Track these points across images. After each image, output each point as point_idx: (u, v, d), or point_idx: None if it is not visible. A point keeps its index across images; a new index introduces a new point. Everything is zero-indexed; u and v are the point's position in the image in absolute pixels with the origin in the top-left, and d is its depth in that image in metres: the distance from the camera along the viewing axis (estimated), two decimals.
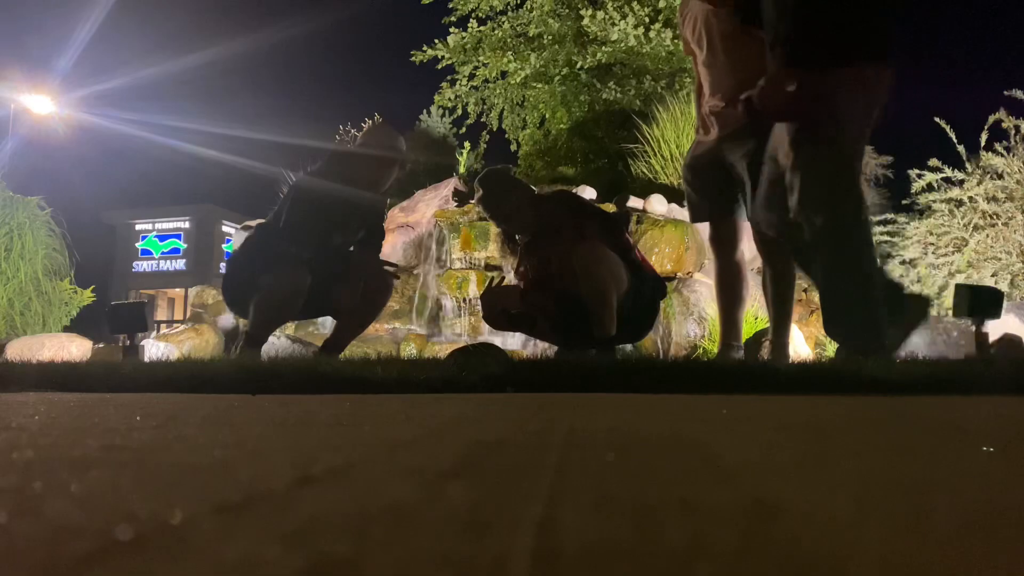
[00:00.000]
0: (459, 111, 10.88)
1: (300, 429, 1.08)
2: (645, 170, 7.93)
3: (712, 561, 0.38)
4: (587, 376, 2.12)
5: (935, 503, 0.56)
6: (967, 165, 6.83)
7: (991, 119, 6.68)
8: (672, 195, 6.44)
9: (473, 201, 3.97)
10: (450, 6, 10.40)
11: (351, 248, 3.57)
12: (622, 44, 9.26)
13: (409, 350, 5.92)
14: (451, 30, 10.35)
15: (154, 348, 5.88)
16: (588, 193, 6.82)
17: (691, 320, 5.64)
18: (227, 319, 6.69)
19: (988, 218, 6.55)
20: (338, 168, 3.51)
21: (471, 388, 2.08)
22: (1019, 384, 2.01)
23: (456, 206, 7.17)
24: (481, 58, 10.35)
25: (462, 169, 9.35)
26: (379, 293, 3.59)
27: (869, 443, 0.98)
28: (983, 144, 6.74)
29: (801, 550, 0.41)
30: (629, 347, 3.68)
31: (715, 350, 3.35)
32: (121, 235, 30.04)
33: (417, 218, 7.48)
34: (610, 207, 6.40)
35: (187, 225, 29.62)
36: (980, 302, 3.40)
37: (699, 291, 5.70)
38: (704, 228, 3.64)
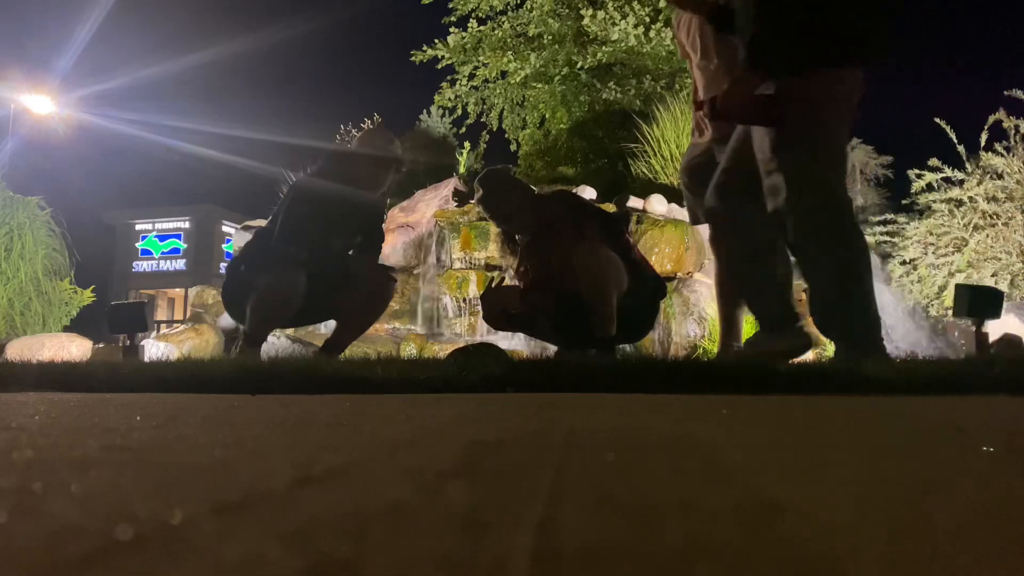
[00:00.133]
0: (459, 111, 10.89)
1: (300, 429, 1.08)
2: (645, 170, 7.93)
3: (712, 561, 0.38)
4: (587, 376, 2.12)
5: (935, 503, 0.56)
6: (967, 165, 6.83)
7: (991, 119, 6.68)
8: (672, 195, 6.44)
9: (473, 201, 3.97)
10: (450, 6, 10.41)
11: (351, 251, 3.57)
12: (622, 44, 9.27)
13: (409, 350, 5.92)
14: (451, 30, 10.36)
15: (154, 348, 5.88)
16: (588, 193, 6.82)
17: (691, 320, 5.64)
18: (227, 319, 6.68)
19: (988, 218, 6.55)
20: (335, 169, 3.51)
21: (471, 388, 2.08)
22: (1019, 384, 2.01)
23: (456, 206, 7.17)
24: (481, 58, 10.35)
25: (462, 169, 9.36)
26: (380, 295, 3.59)
27: (869, 443, 0.98)
28: (983, 144, 6.74)
29: (801, 550, 0.41)
30: (629, 347, 3.68)
31: (715, 350, 3.35)
32: (121, 235, 30.03)
33: (417, 218, 7.48)
34: (610, 207, 6.40)
35: (187, 225, 29.62)
36: (980, 302, 3.40)
37: (699, 291, 5.71)
38: (704, 228, 3.64)
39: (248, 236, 6.13)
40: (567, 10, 10.05)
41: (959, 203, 6.72)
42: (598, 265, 3.18)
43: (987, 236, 6.47)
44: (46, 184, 8.52)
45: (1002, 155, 6.59)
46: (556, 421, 1.21)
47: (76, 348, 5.79)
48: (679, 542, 0.42)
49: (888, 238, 7.20)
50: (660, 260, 5.82)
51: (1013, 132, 6.59)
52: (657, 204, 6.39)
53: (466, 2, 10.32)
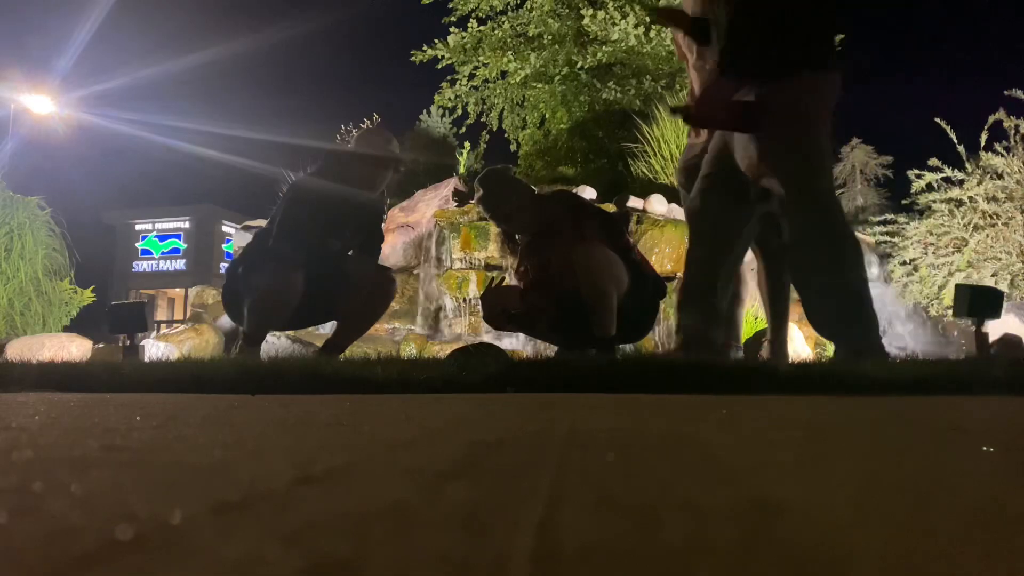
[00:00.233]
0: (459, 111, 10.88)
1: (300, 429, 1.08)
2: (645, 170, 7.93)
3: (712, 561, 0.38)
4: (587, 376, 2.12)
5: (935, 503, 0.56)
6: (967, 165, 6.83)
7: (991, 119, 6.68)
8: (672, 195, 6.44)
9: (473, 201, 3.97)
10: (450, 6, 10.40)
11: (351, 252, 3.56)
12: (622, 44, 9.26)
13: (409, 350, 5.92)
14: (451, 30, 10.35)
15: (154, 348, 5.88)
16: (588, 193, 6.83)
17: None
18: (227, 319, 6.69)
19: (988, 218, 6.55)
20: (332, 169, 3.51)
21: (471, 388, 2.08)
22: (1019, 384, 2.01)
23: (456, 206, 7.17)
24: (481, 58, 10.35)
25: (462, 169, 9.35)
26: (380, 296, 3.59)
27: (869, 443, 0.98)
28: (983, 144, 6.73)
29: (801, 550, 0.41)
30: (629, 347, 3.68)
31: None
32: (121, 235, 30.04)
33: (417, 218, 7.48)
34: (610, 207, 6.40)
35: (187, 225, 29.62)
36: (980, 302, 3.40)
37: None
38: None
39: (248, 236, 6.13)
40: (567, 10, 10.05)
41: (959, 203, 6.72)
42: (598, 265, 3.18)
43: (987, 236, 6.46)
44: (46, 184, 8.52)
45: (1002, 155, 6.59)
46: (556, 421, 1.21)
47: (76, 348, 5.79)
48: (679, 542, 0.42)
49: (888, 238, 7.19)
50: (660, 260, 5.82)
51: (1013, 132, 6.59)
52: (657, 204, 6.39)
53: (466, 2, 10.32)
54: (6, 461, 0.72)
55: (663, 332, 5.46)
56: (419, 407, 1.50)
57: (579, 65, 9.85)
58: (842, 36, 10.03)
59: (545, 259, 3.41)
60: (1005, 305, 4.07)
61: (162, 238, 29.87)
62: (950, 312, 5.67)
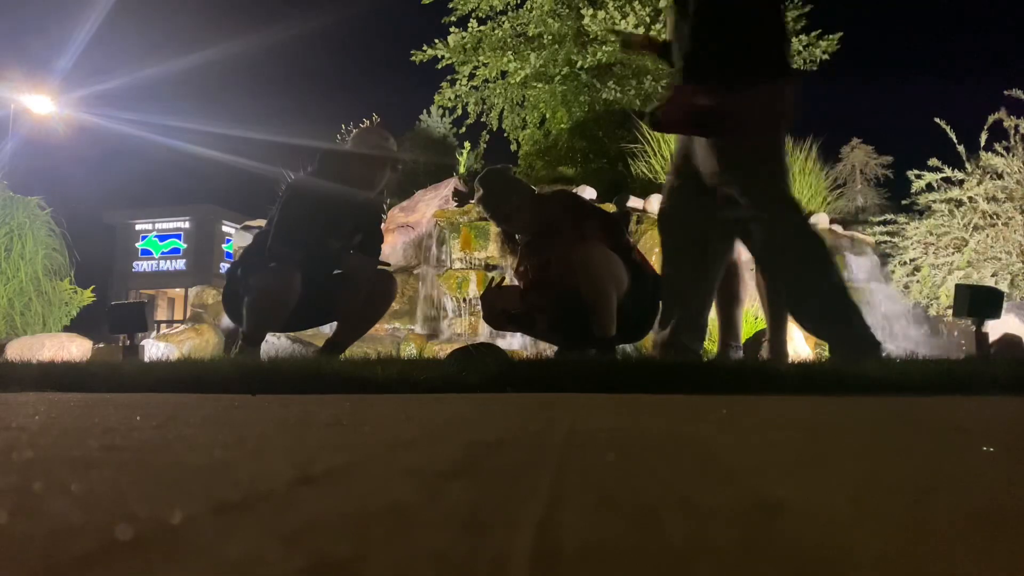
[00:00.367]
0: (459, 111, 10.88)
1: (300, 429, 1.08)
2: (645, 170, 7.93)
3: (712, 561, 0.38)
4: (587, 376, 2.12)
5: (935, 503, 0.56)
6: (967, 165, 6.83)
7: (991, 119, 6.67)
8: None
9: (473, 201, 3.96)
10: (450, 6, 10.40)
11: (351, 252, 3.56)
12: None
13: (409, 350, 5.92)
14: (451, 30, 10.35)
15: (154, 348, 5.88)
16: (588, 193, 6.82)
17: None
18: (228, 320, 6.69)
19: (988, 218, 6.55)
20: (330, 168, 3.50)
21: (471, 388, 2.08)
22: (1019, 384, 2.01)
23: (456, 206, 7.17)
24: (481, 58, 10.35)
25: (462, 169, 9.35)
26: (380, 296, 3.59)
27: (869, 443, 0.98)
28: (983, 144, 6.73)
29: (801, 550, 0.41)
30: (629, 347, 3.68)
31: (715, 350, 3.36)
32: (121, 235, 30.03)
33: (417, 218, 7.48)
34: (610, 207, 6.40)
35: (187, 225, 29.61)
36: (980, 302, 3.40)
37: None
38: None
39: (248, 236, 6.13)
40: (567, 10, 10.05)
41: (959, 203, 6.72)
42: (598, 265, 3.18)
43: (987, 236, 6.46)
44: (46, 184, 8.53)
45: (1002, 155, 6.59)
46: (556, 421, 1.21)
47: (76, 348, 5.80)
48: (679, 542, 0.42)
49: (888, 238, 7.19)
50: (660, 260, 5.81)
51: (1013, 132, 6.58)
52: (657, 204, 6.39)
53: (466, 2, 10.32)
54: (6, 461, 0.72)
55: None
56: (419, 407, 1.50)
57: (579, 65, 9.85)
58: (841, 34, 10.05)
59: (545, 259, 3.41)
60: (1005, 305, 4.06)
61: (162, 238, 29.86)
62: (950, 312, 5.67)
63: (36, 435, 0.96)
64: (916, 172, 7.00)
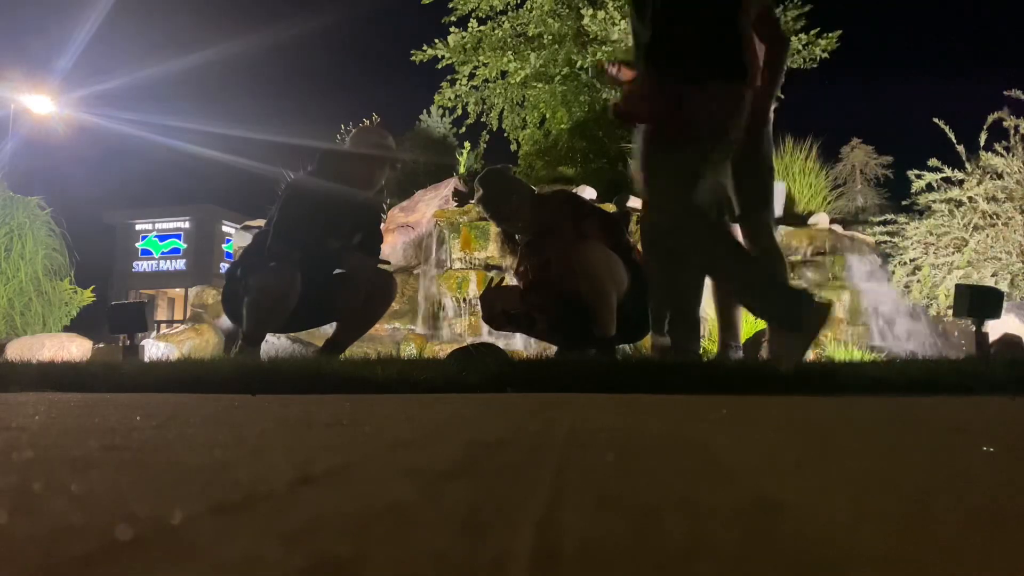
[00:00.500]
0: (459, 111, 10.88)
1: (300, 429, 1.08)
2: None
3: (712, 561, 0.38)
4: (587, 376, 2.12)
5: (934, 503, 0.56)
6: (967, 165, 6.82)
7: (990, 119, 6.67)
8: None
9: (473, 201, 3.97)
10: (450, 6, 10.40)
11: (350, 252, 3.56)
12: (622, 44, 9.26)
13: (409, 350, 5.92)
14: (451, 30, 10.35)
15: (154, 348, 5.88)
16: (588, 193, 6.82)
17: None
18: (227, 320, 6.69)
19: (988, 218, 6.55)
20: (329, 167, 3.50)
21: (471, 388, 2.08)
22: (1019, 384, 2.01)
23: (456, 206, 7.18)
24: (481, 58, 10.34)
25: (462, 169, 9.34)
26: (381, 296, 3.59)
27: (868, 443, 0.99)
28: (983, 144, 6.73)
29: (801, 550, 0.41)
30: (629, 347, 3.68)
31: (715, 350, 3.36)
32: (121, 235, 30.03)
33: (417, 218, 7.48)
34: (610, 207, 6.40)
35: (187, 225, 29.62)
36: (980, 302, 3.40)
37: None
38: None
39: (248, 236, 6.13)
40: (567, 10, 10.05)
41: (959, 203, 6.71)
42: (598, 265, 3.18)
43: (987, 236, 6.46)
44: (46, 184, 8.55)
45: (1002, 155, 6.58)
46: (556, 421, 1.21)
47: (76, 348, 5.80)
48: (679, 542, 0.42)
49: (888, 238, 7.19)
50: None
51: (1013, 132, 6.58)
52: None
53: (466, 2, 10.31)
54: (6, 461, 0.72)
55: None
56: (419, 407, 1.50)
57: (579, 65, 9.84)
58: (840, 32, 10.05)
59: (545, 259, 3.41)
60: (1005, 305, 4.06)
61: (162, 238, 29.86)
62: (950, 312, 5.67)
63: (36, 435, 0.96)
64: (916, 172, 7.00)
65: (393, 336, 6.45)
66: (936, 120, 6.88)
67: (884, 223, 7.34)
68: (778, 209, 6.32)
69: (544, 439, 0.94)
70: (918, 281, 6.73)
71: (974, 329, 3.45)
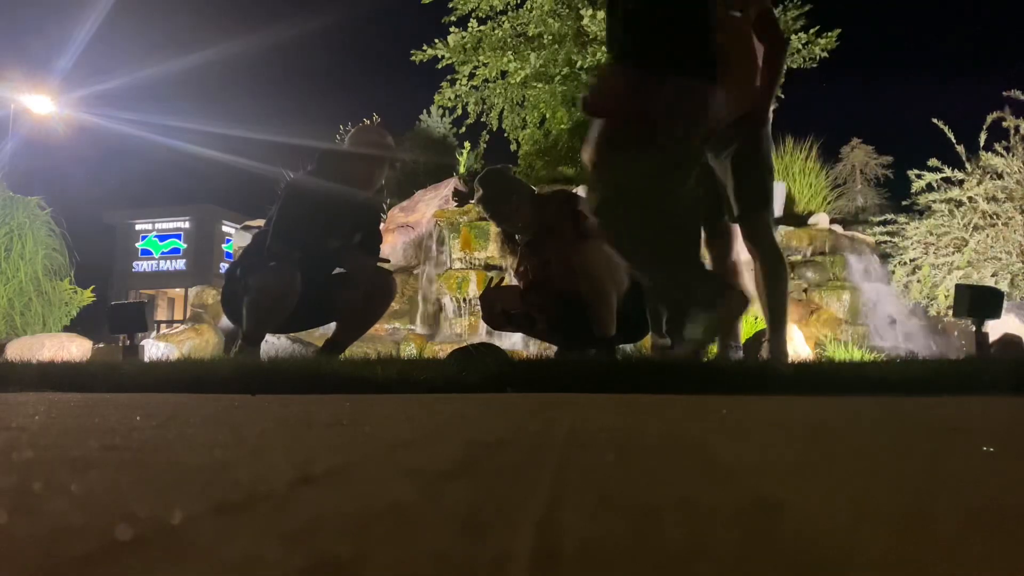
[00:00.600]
0: (459, 111, 10.88)
1: (300, 429, 1.08)
2: None
3: (712, 561, 0.38)
4: (587, 376, 2.12)
5: (935, 503, 0.56)
6: (967, 165, 6.82)
7: (990, 118, 6.67)
8: None
9: (473, 201, 3.97)
10: (450, 6, 10.40)
11: (350, 251, 3.55)
12: None
13: (409, 350, 5.92)
14: (451, 30, 10.34)
15: (154, 348, 5.88)
16: None
17: None
18: (227, 320, 6.69)
19: (988, 218, 6.55)
20: (328, 167, 3.50)
21: (471, 388, 2.08)
22: (1019, 384, 2.01)
23: (456, 206, 7.18)
24: (481, 58, 10.34)
25: (462, 169, 9.34)
26: (380, 295, 3.58)
27: (869, 443, 0.99)
28: (983, 144, 6.73)
29: (801, 550, 0.41)
30: (629, 347, 3.68)
31: (715, 350, 3.36)
32: (121, 235, 30.02)
33: (417, 218, 7.48)
34: None
35: (187, 225, 29.61)
36: (980, 302, 3.40)
37: None
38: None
39: (248, 236, 6.13)
40: (567, 10, 10.05)
41: (959, 203, 6.72)
42: (598, 265, 3.18)
43: (987, 236, 6.46)
44: (46, 184, 8.55)
45: (1002, 155, 6.58)
46: (556, 421, 1.21)
47: (76, 348, 5.80)
48: (679, 542, 0.42)
49: (888, 238, 7.19)
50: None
51: (1013, 132, 6.58)
52: None
53: (466, 2, 10.31)
54: (6, 461, 0.72)
55: None
56: (419, 407, 1.50)
57: (579, 65, 9.84)
58: (839, 31, 10.05)
59: (545, 259, 3.41)
60: (1005, 305, 4.06)
61: (162, 238, 29.86)
62: (950, 312, 5.67)
63: (36, 435, 0.96)
64: (916, 172, 7.00)
65: (393, 336, 6.45)
66: (935, 120, 6.88)
67: (884, 223, 7.34)
68: (778, 209, 6.32)
69: (544, 439, 0.94)
70: (918, 281, 6.73)
71: (974, 329, 3.46)
